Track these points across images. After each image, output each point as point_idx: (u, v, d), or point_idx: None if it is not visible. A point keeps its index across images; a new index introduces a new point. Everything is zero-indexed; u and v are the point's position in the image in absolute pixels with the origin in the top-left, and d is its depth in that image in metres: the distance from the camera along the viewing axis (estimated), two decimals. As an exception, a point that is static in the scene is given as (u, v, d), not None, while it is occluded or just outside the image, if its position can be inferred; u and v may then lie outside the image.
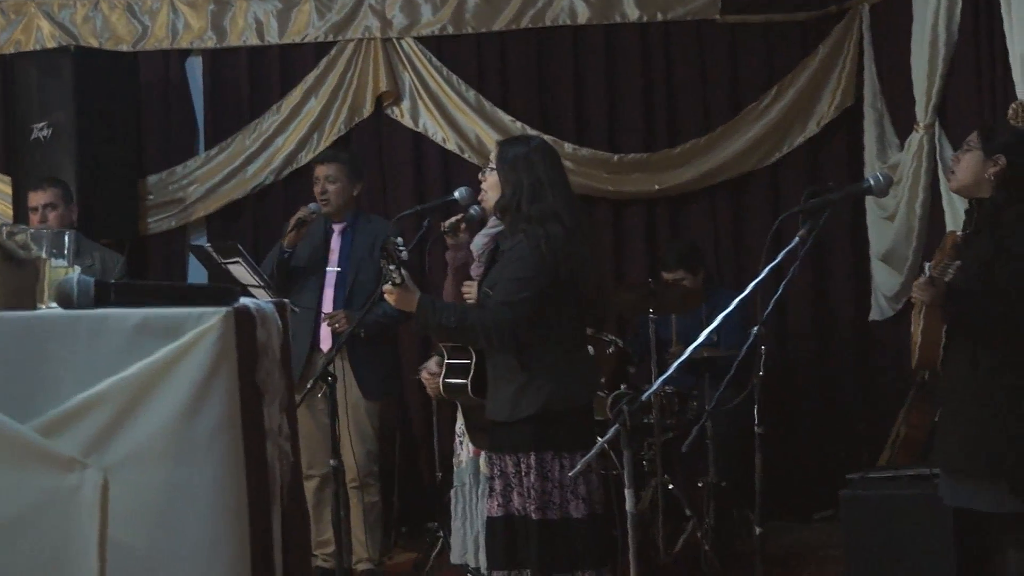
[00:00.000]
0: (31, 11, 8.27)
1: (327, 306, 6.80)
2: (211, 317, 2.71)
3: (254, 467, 2.83)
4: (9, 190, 7.97)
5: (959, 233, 4.86)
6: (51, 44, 8.11)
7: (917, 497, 5.64)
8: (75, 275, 2.95)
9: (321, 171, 6.96)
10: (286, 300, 3.54)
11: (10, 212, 7.85)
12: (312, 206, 6.83)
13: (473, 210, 5.68)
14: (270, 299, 6.15)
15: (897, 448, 6.66)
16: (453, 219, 5.76)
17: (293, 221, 6.78)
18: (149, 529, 2.68)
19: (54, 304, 2.98)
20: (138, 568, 2.68)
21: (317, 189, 6.92)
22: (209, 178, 8.31)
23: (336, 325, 6.64)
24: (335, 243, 6.93)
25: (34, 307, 2.96)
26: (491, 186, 5.18)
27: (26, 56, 7.95)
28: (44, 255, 3.24)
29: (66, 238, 3.32)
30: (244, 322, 2.87)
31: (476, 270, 5.98)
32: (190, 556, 2.68)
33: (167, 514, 2.69)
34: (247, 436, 2.79)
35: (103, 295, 2.88)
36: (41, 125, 7.72)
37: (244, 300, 3.03)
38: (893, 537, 5.70)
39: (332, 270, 6.87)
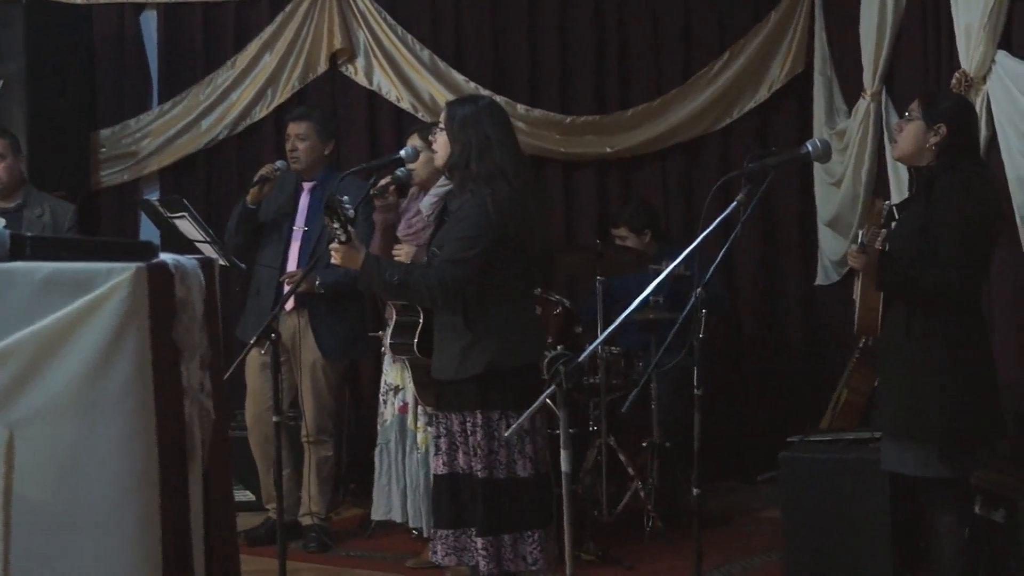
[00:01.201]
0: (-15, -38, 8.13)
1: (291, 264, 6.72)
2: (121, 273, 2.62)
3: (167, 424, 2.75)
4: (-41, 140, 7.79)
5: (886, 202, 4.82)
6: (6, -5, 7.98)
7: (855, 460, 5.63)
8: (-10, 229, 2.85)
9: (292, 129, 6.86)
10: (213, 257, 3.43)
11: (-41, 162, 7.69)
12: (278, 163, 6.72)
13: (401, 171, 5.66)
14: (216, 254, 6.15)
15: (838, 412, 6.64)
16: (383, 181, 5.72)
17: (256, 178, 6.68)
18: (55, 485, 2.60)
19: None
20: (43, 523, 2.61)
21: (288, 146, 6.84)
22: (162, 132, 8.22)
23: (300, 288, 6.44)
24: (303, 201, 6.82)
25: (-53, 262, 2.86)
26: (441, 146, 5.09)
27: (-21, 7, 7.81)
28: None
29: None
30: (159, 278, 2.78)
31: (404, 230, 5.98)
32: (97, 511, 2.61)
33: (74, 470, 2.61)
34: (160, 393, 2.70)
35: (19, 248, 2.78)
36: (-8, 77, 7.61)
37: (164, 256, 2.94)
38: (830, 499, 5.67)
39: (298, 228, 6.77)
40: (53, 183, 7.57)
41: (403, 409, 6.36)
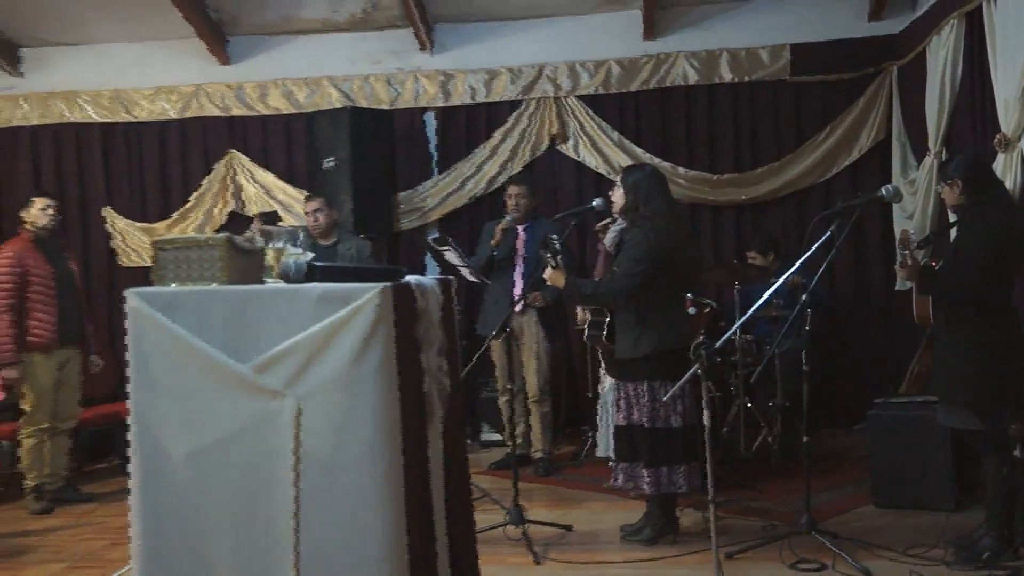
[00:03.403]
0: (324, 83, 8.29)
1: (517, 281, 6.71)
2: (372, 290, 2.49)
3: (409, 395, 2.61)
4: (310, 203, 7.94)
5: (912, 232, 4.75)
6: (337, 105, 8.09)
7: (924, 417, 5.31)
8: (293, 260, 2.76)
9: (514, 190, 6.84)
10: (451, 278, 3.30)
11: (311, 216, 7.84)
12: (507, 217, 6.74)
13: (616, 218, 5.55)
14: (471, 274, 6.15)
15: (911, 381, 6.27)
16: (605, 221, 5.76)
17: (499, 234, 6.68)
18: (329, 441, 2.48)
19: (280, 280, 2.79)
20: (322, 469, 2.50)
21: (511, 203, 6.80)
22: (439, 194, 8.21)
23: (537, 303, 6.64)
24: (521, 239, 6.79)
25: (261, 283, 2.78)
26: (618, 198, 5.13)
27: (321, 113, 7.93)
28: (282, 246, 3.07)
29: (299, 234, 3.13)
30: (403, 293, 2.65)
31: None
32: (359, 459, 2.48)
33: (342, 430, 2.49)
34: (403, 373, 2.56)
35: (312, 274, 2.69)
36: (329, 159, 7.72)
37: (409, 278, 2.81)
38: (905, 445, 5.42)
39: (520, 256, 6.76)
40: (369, 228, 7.67)
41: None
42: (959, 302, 4.35)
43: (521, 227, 6.77)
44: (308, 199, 6.75)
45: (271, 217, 6.40)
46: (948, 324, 4.41)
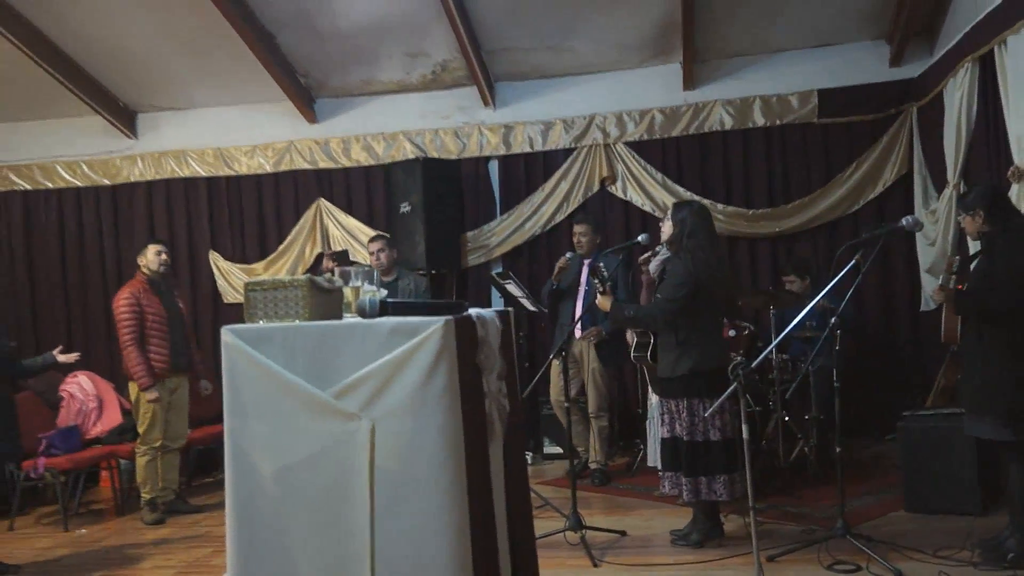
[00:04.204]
0: (400, 138, 8.37)
1: (578, 311, 6.63)
2: (436, 323, 2.49)
3: (472, 416, 2.59)
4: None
5: (957, 257, 4.46)
6: (411, 156, 8.16)
7: (950, 427, 5.16)
8: (367, 297, 2.77)
9: (578, 228, 6.82)
10: (510, 309, 3.28)
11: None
12: (568, 254, 6.69)
13: (660, 248, 5.47)
14: (531, 305, 6.10)
15: (937, 394, 6.11)
16: (648, 254, 5.65)
17: (557, 269, 6.64)
18: (400, 459, 2.47)
19: (356, 315, 2.81)
20: (394, 484, 2.49)
21: (576, 239, 6.78)
22: (502, 232, 8.20)
23: (593, 338, 6.59)
24: (584, 273, 6.73)
25: (340, 318, 2.79)
26: (666, 229, 5.07)
27: (397, 164, 8.00)
28: (359, 284, 3.09)
29: (374, 274, 3.14)
30: (465, 325, 2.64)
31: None
32: (427, 475, 2.47)
33: (411, 449, 2.48)
34: (466, 396, 2.55)
35: (384, 309, 2.70)
36: (404, 204, 7.77)
37: (471, 311, 2.80)
38: (934, 453, 5.26)
39: (582, 289, 6.69)
40: (440, 264, 7.70)
41: None
42: (994, 318, 4.21)
43: (586, 261, 6.74)
44: (372, 240, 6.78)
45: (342, 255, 6.46)
46: (980, 340, 4.27)
